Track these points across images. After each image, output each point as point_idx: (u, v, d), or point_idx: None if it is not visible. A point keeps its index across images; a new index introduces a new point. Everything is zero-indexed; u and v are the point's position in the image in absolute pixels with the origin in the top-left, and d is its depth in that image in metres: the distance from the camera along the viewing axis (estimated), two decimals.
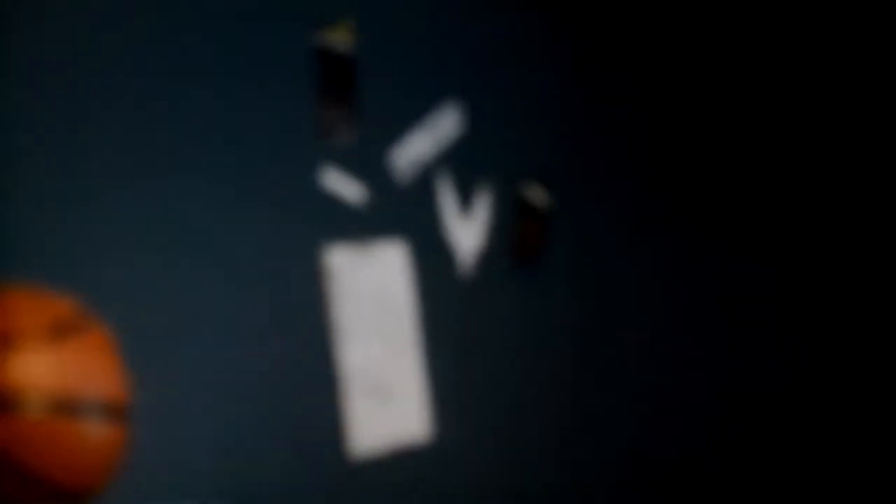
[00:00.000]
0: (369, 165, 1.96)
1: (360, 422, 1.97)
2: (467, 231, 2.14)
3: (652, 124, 2.41)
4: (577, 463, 2.22)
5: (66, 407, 1.19)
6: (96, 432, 1.20)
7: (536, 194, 2.25)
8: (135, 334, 1.60)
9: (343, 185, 1.96)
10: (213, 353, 1.72)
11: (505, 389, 2.15)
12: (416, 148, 2.09)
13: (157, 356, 1.65)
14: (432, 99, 2.08)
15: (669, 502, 2.36)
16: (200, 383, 1.71)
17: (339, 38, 2.03)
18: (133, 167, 1.67)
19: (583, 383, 2.25)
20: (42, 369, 1.18)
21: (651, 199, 2.42)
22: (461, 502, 2.09)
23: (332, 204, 1.91)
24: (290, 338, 1.83)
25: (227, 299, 1.77)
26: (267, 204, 1.84)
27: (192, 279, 1.71)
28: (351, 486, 1.93)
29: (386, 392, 2.01)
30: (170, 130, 1.75)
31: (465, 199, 2.12)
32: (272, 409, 1.81)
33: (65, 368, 1.21)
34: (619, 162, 2.38)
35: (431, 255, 2.03)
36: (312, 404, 1.86)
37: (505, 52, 2.26)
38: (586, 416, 2.24)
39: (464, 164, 2.09)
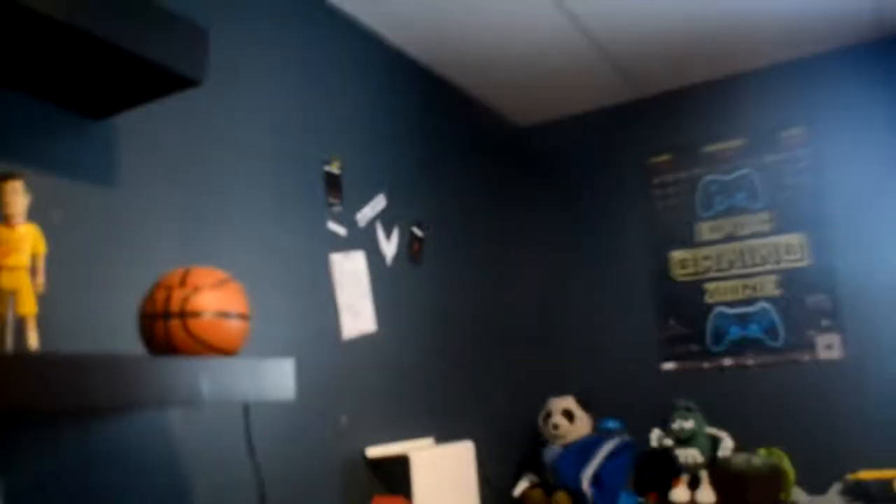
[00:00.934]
0: (347, 220, 2.28)
1: (346, 325, 2.20)
2: (390, 246, 2.47)
3: (472, 206, 2.95)
4: (442, 350, 2.64)
5: (222, 314, 1.30)
6: (235, 325, 1.32)
7: (419, 230, 2.59)
8: (248, 286, 1.72)
9: (337, 227, 2.19)
10: (280, 298, 1.97)
11: (407, 315, 2.51)
12: (367, 212, 2.37)
13: (256, 296, 1.85)
14: (374, 192, 2.40)
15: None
16: (276, 307, 1.95)
17: (335, 166, 2.24)
18: (248, 228, 1.93)
19: (443, 314, 2.68)
20: (211, 299, 1.29)
21: (472, 235, 2.94)
22: (394, 364, 2.42)
23: (334, 235, 2.19)
24: (315, 291, 2.10)
25: (286, 277, 2.01)
26: (304, 235, 2.08)
27: (270, 269, 1.96)
28: (344, 354, 2.20)
29: (357, 312, 2.23)
30: (260, 206, 1.99)
31: (389, 233, 2.48)
32: (304, 314, 2.02)
33: (222, 298, 1.32)
34: (458, 216, 2.85)
35: (375, 257, 2.39)
36: (323, 315, 2.12)
37: (408, 173, 2.62)
38: (447, 330, 2.68)
39: (388, 217, 2.48)
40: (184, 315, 1.26)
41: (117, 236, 1.58)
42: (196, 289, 1.28)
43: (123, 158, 1.61)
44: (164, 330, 1.26)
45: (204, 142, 1.82)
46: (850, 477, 2.52)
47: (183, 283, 1.30)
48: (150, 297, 1.32)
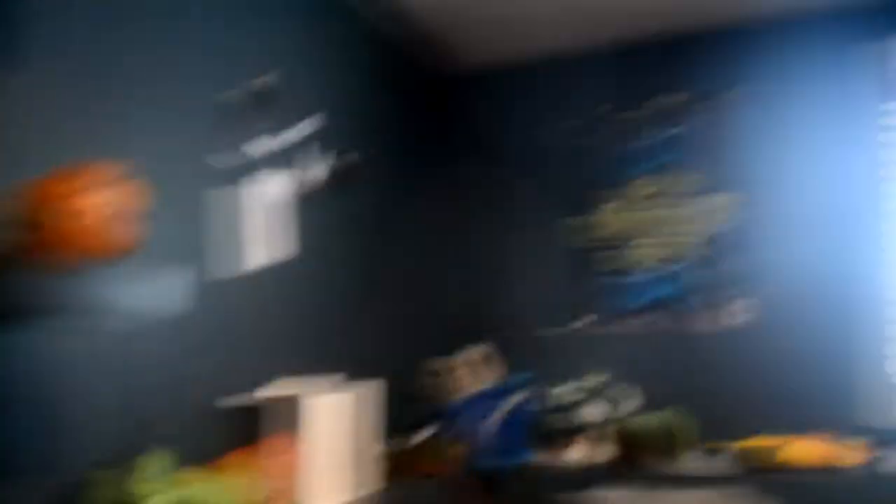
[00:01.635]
0: (262, 143, 2.15)
1: (250, 251, 2.06)
2: (317, 171, 2.39)
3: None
4: (353, 287, 2.60)
5: (108, 214, 1.20)
6: (123, 229, 1.23)
7: (340, 162, 2.53)
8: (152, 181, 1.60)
9: (251, 149, 2.08)
10: (181, 213, 1.83)
11: (330, 236, 2.46)
12: (286, 136, 2.26)
13: (154, 206, 1.63)
14: (296, 119, 2.29)
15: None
16: (175, 220, 1.78)
17: (258, 86, 2.11)
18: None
19: (360, 231, 2.65)
20: (98, 198, 1.19)
21: (393, 179, 2.94)
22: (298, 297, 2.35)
23: (248, 157, 2.06)
24: (222, 211, 1.93)
25: (190, 192, 1.87)
26: (217, 151, 1.95)
27: (174, 180, 1.84)
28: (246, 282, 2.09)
29: (263, 239, 2.09)
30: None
31: (308, 161, 2.38)
32: (205, 234, 1.87)
33: (110, 198, 1.22)
34: (381, 157, 2.83)
35: (291, 183, 2.24)
36: (227, 238, 1.97)
37: (332, 106, 2.50)
38: (357, 268, 2.64)
39: (307, 146, 2.36)
40: (63, 215, 1.15)
41: (16, 115, 1.43)
42: (82, 188, 1.18)
43: (29, 37, 1.45)
44: (40, 230, 1.16)
45: (121, 41, 1.68)
46: (735, 446, 2.50)
47: (68, 179, 1.20)
48: (30, 193, 1.22)
